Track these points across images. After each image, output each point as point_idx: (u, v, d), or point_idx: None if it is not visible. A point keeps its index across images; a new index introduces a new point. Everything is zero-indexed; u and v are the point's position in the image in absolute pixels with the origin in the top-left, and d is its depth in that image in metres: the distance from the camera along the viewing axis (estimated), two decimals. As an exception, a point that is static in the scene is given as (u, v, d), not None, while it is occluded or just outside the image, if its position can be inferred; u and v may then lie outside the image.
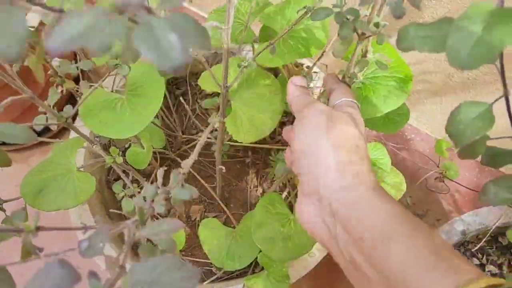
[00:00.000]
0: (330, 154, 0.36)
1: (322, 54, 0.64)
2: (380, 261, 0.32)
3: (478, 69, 0.85)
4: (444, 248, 0.31)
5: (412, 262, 0.31)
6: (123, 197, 0.60)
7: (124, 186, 0.63)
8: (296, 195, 0.77)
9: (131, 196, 0.61)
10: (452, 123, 0.33)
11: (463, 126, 0.32)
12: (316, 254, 0.70)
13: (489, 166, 0.38)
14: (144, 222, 0.33)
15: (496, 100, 0.30)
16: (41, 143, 1.14)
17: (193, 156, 0.47)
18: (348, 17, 0.42)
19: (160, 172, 0.40)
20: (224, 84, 0.52)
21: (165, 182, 0.37)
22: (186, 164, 0.45)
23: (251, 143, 0.85)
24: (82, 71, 0.62)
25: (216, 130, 0.63)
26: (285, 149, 0.59)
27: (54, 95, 0.55)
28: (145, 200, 0.37)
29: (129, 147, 0.71)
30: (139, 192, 0.63)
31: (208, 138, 0.78)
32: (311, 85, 0.73)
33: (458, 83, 0.92)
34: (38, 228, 0.26)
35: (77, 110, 0.54)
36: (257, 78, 0.61)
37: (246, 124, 0.57)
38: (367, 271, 0.33)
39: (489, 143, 0.37)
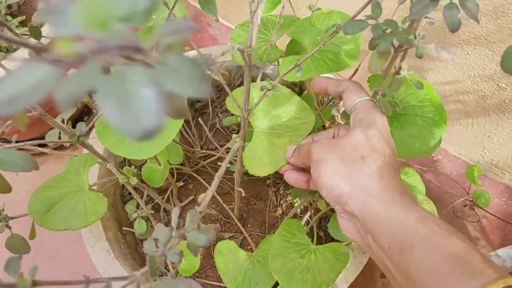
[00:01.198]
0: (338, 176, 0.38)
1: (355, 72, 0.60)
2: (405, 268, 0.34)
3: (516, 92, 0.80)
4: (462, 249, 0.32)
5: (431, 268, 0.32)
6: (135, 218, 0.57)
7: (138, 206, 0.59)
8: (319, 219, 0.73)
9: (145, 218, 0.57)
10: (506, 59, 0.27)
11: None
12: (338, 285, 0.65)
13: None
14: (155, 272, 0.29)
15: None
16: (56, 149, 1.12)
17: (212, 188, 0.43)
18: (386, 29, 0.38)
19: (175, 212, 0.36)
20: (245, 107, 0.49)
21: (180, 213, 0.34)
22: (204, 201, 0.41)
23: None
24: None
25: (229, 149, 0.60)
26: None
27: (67, 113, 0.53)
28: (157, 246, 0.33)
29: (144, 163, 0.67)
30: (152, 214, 0.60)
31: (223, 154, 0.75)
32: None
33: (492, 106, 0.87)
34: (34, 283, 0.22)
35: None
36: (281, 99, 0.57)
37: (263, 155, 0.52)
38: (397, 277, 0.35)
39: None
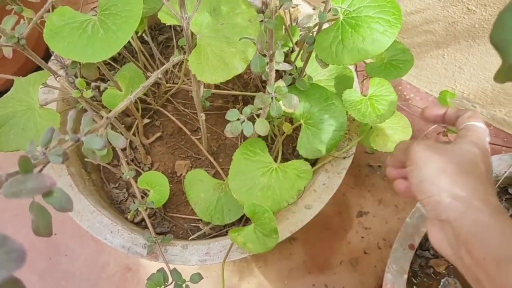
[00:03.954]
0: (442, 181, 0.38)
1: None
2: (502, 281, 0.33)
3: (486, 12, 0.79)
4: None
5: None
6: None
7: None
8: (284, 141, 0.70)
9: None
10: (500, 27, 0.24)
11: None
12: (313, 206, 0.64)
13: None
14: (27, 172, 0.25)
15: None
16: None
17: (131, 97, 0.40)
18: None
19: (71, 114, 0.33)
20: (182, 14, 0.45)
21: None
22: (115, 110, 0.38)
23: (242, 91, 0.79)
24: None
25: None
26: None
27: (9, 19, 0.48)
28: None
29: (105, 90, 0.63)
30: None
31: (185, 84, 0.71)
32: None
33: (462, 32, 0.86)
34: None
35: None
36: (228, 5, 0.53)
37: (213, 60, 0.48)
38: None
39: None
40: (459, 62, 0.92)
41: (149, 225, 0.60)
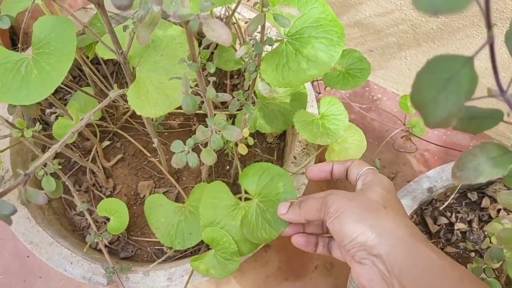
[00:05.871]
0: (364, 221, 0.40)
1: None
2: None
3: (443, 15, 0.79)
4: None
5: None
6: (43, 175, 0.52)
7: (46, 164, 0.54)
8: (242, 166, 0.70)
9: (53, 174, 0.53)
10: (418, 89, 0.23)
11: (434, 93, 0.22)
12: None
13: (465, 132, 0.32)
14: None
15: (480, 49, 0.21)
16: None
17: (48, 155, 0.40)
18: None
19: None
20: (117, 49, 0.45)
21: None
22: (36, 164, 0.37)
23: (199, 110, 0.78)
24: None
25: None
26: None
27: None
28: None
29: (56, 119, 0.62)
30: (60, 169, 0.56)
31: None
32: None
33: (422, 34, 0.86)
34: None
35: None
36: (167, 36, 0.52)
37: (153, 93, 0.48)
38: None
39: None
40: (421, 63, 0.92)
41: (106, 255, 0.59)
